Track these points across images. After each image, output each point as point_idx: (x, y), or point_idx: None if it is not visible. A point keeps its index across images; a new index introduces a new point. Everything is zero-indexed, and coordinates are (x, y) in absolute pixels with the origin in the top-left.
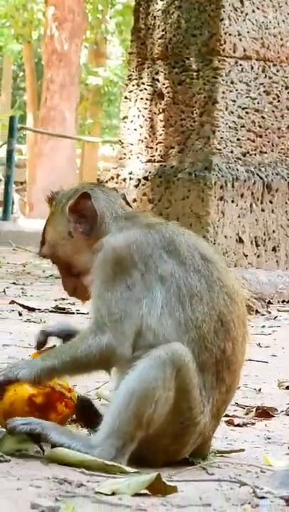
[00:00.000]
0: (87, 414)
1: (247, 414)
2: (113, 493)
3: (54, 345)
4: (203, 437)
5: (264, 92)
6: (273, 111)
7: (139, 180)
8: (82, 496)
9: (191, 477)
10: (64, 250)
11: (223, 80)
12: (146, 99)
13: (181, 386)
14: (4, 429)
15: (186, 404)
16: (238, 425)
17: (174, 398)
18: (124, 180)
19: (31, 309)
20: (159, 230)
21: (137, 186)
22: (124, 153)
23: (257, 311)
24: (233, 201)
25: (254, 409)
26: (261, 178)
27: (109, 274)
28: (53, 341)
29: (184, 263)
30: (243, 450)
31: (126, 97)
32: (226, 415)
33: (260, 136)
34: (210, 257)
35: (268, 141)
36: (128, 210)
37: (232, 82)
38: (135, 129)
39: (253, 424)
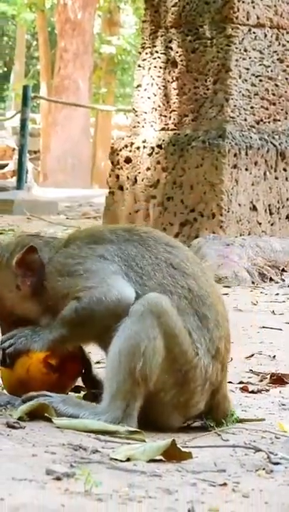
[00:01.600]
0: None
1: (261, 381)
2: (128, 459)
3: None
4: (211, 383)
5: (277, 59)
6: (287, 78)
7: (152, 148)
8: (97, 462)
9: (206, 443)
10: (12, 303)
11: (236, 48)
12: (160, 68)
13: (166, 332)
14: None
15: (178, 348)
16: (252, 392)
17: (164, 346)
18: (138, 148)
19: None
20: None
21: (150, 155)
22: (138, 122)
23: (271, 279)
24: (246, 169)
25: (268, 376)
26: (275, 145)
27: (63, 271)
28: None
29: (111, 241)
30: (263, 419)
31: (139, 66)
32: (241, 382)
33: (274, 104)
34: (129, 228)
35: (282, 109)
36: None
37: (245, 50)
38: (149, 98)
39: (268, 390)
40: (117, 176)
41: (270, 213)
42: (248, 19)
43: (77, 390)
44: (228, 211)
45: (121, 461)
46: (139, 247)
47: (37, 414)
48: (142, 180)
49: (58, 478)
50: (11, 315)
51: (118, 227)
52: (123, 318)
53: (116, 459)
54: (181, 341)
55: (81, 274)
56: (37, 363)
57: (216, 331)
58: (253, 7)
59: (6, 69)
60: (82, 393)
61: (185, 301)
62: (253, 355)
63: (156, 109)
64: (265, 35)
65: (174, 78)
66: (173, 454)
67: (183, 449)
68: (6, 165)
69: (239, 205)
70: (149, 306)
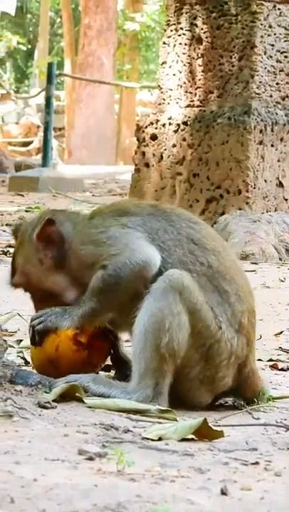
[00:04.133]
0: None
1: None
2: (160, 439)
3: None
4: (236, 356)
5: None
6: None
7: (178, 125)
8: (129, 441)
9: (237, 422)
10: (37, 277)
11: (261, 25)
12: (185, 44)
13: (189, 307)
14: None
15: (201, 323)
16: (282, 369)
17: (188, 321)
18: (164, 125)
19: None
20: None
21: (176, 131)
22: (164, 99)
23: None
24: (272, 145)
25: None
26: None
27: (86, 240)
28: None
29: (135, 214)
30: None
31: (164, 43)
32: (270, 359)
33: None
34: (154, 203)
35: None
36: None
37: (270, 27)
38: (174, 74)
39: None
40: (143, 153)
41: None
42: None
43: (108, 369)
44: (255, 187)
45: (153, 440)
46: (162, 222)
47: (68, 395)
48: (168, 157)
49: (91, 458)
50: (39, 290)
51: (143, 202)
52: (150, 284)
53: (148, 439)
54: (203, 316)
55: (104, 242)
56: (66, 341)
57: (237, 305)
58: None
59: (30, 46)
60: (113, 372)
61: (204, 278)
62: (282, 332)
63: (181, 86)
64: None
65: (199, 55)
66: (205, 433)
67: (214, 428)
68: (31, 142)
69: (265, 181)
70: (171, 283)
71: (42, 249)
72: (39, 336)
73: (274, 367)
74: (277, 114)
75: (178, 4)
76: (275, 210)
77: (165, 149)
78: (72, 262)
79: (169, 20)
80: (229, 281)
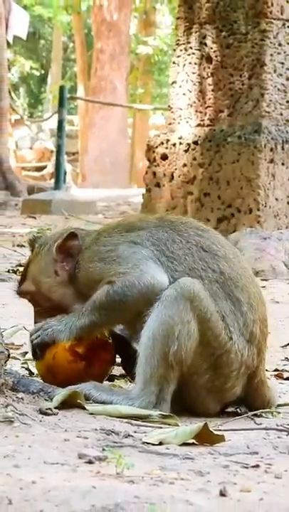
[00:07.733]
0: (124, 352)
1: None
2: (160, 443)
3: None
4: (246, 367)
5: None
6: None
7: (188, 144)
8: (130, 445)
9: (239, 426)
10: (49, 288)
11: (271, 43)
12: (195, 64)
13: (199, 316)
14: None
15: (211, 332)
16: (287, 379)
17: (197, 330)
18: (174, 145)
19: None
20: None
21: (186, 151)
22: (174, 118)
23: None
24: (283, 163)
25: None
26: None
27: (94, 257)
28: None
29: (142, 228)
30: None
31: (174, 62)
32: (276, 369)
33: None
34: (160, 216)
35: None
36: None
37: (280, 45)
38: (184, 94)
39: None
40: (154, 173)
41: None
42: (282, 13)
43: (111, 378)
44: (266, 206)
45: (153, 444)
46: (170, 232)
47: (69, 402)
48: (179, 177)
49: (90, 462)
50: (47, 301)
51: (149, 216)
52: (155, 304)
53: (148, 443)
54: (213, 325)
55: (114, 260)
56: (63, 351)
57: (249, 314)
58: (287, 1)
59: (43, 71)
60: (117, 382)
61: (216, 285)
62: (288, 344)
63: (191, 106)
64: None
65: (209, 74)
66: (205, 437)
67: (215, 432)
68: (45, 167)
69: (276, 199)
70: (182, 291)
71: (60, 262)
72: (39, 349)
73: (279, 376)
74: (287, 132)
75: (187, 24)
76: (287, 228)
77: (176, 169)
78: (80, 278)
79: (179, 40)
80: (241, 288)
